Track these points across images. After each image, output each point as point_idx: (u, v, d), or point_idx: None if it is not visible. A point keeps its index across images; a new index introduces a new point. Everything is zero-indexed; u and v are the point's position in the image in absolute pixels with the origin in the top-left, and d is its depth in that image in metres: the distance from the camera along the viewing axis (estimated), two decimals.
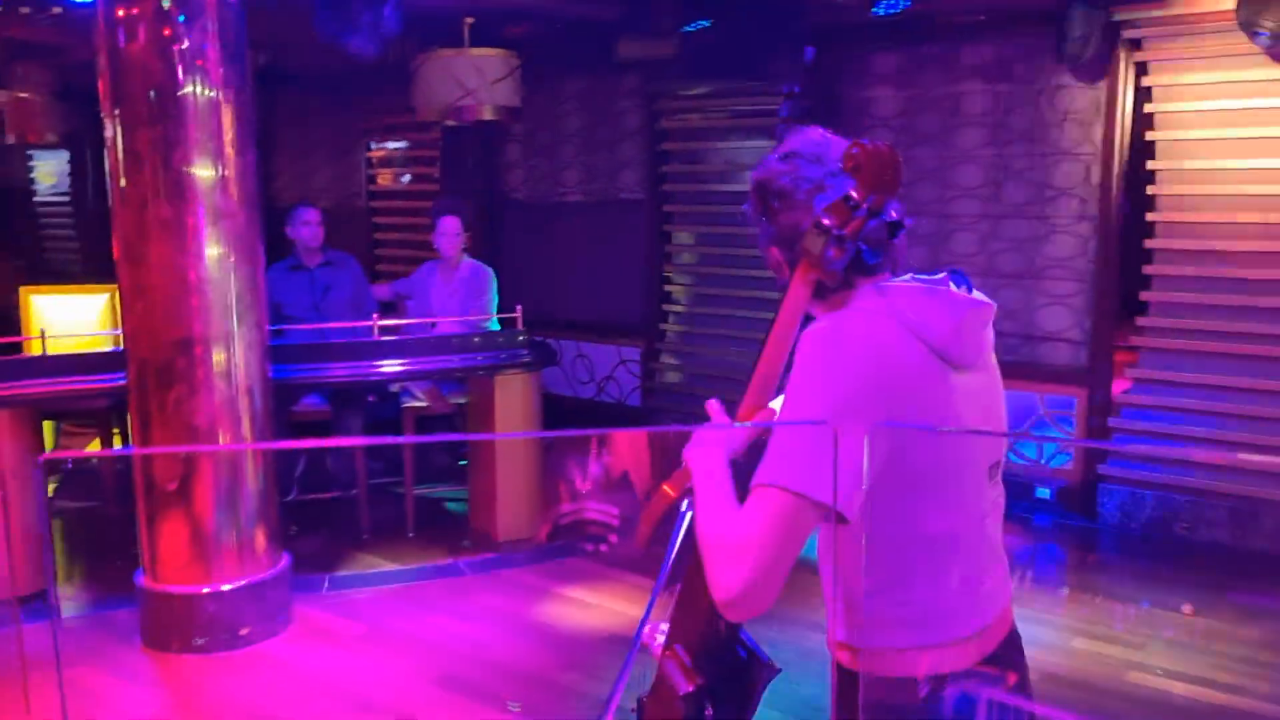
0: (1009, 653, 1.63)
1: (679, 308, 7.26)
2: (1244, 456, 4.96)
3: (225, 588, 4.20)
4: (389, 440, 6.04)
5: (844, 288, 1.59)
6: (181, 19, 3.96)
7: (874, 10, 4.43)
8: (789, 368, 1.57)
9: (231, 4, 4.08)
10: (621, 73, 7.22)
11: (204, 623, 4.17)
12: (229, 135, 4.10)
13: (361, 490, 5.46)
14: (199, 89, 4.02)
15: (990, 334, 1.62)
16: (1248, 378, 5.12)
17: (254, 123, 4.26)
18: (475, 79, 6.29)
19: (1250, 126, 5.02)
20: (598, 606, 4.69)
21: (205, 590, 4.18)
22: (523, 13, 6.24)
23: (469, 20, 6.36)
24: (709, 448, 1.61)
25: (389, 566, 5.08)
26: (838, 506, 1.43)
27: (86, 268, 9.74)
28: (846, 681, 1.66)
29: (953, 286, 1.59)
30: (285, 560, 4.39)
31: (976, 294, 1.60)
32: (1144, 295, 5.39)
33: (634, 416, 7.45)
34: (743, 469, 1.59)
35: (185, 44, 3.98)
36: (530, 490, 5.38)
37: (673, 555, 1.77)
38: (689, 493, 1.67)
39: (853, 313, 1.55)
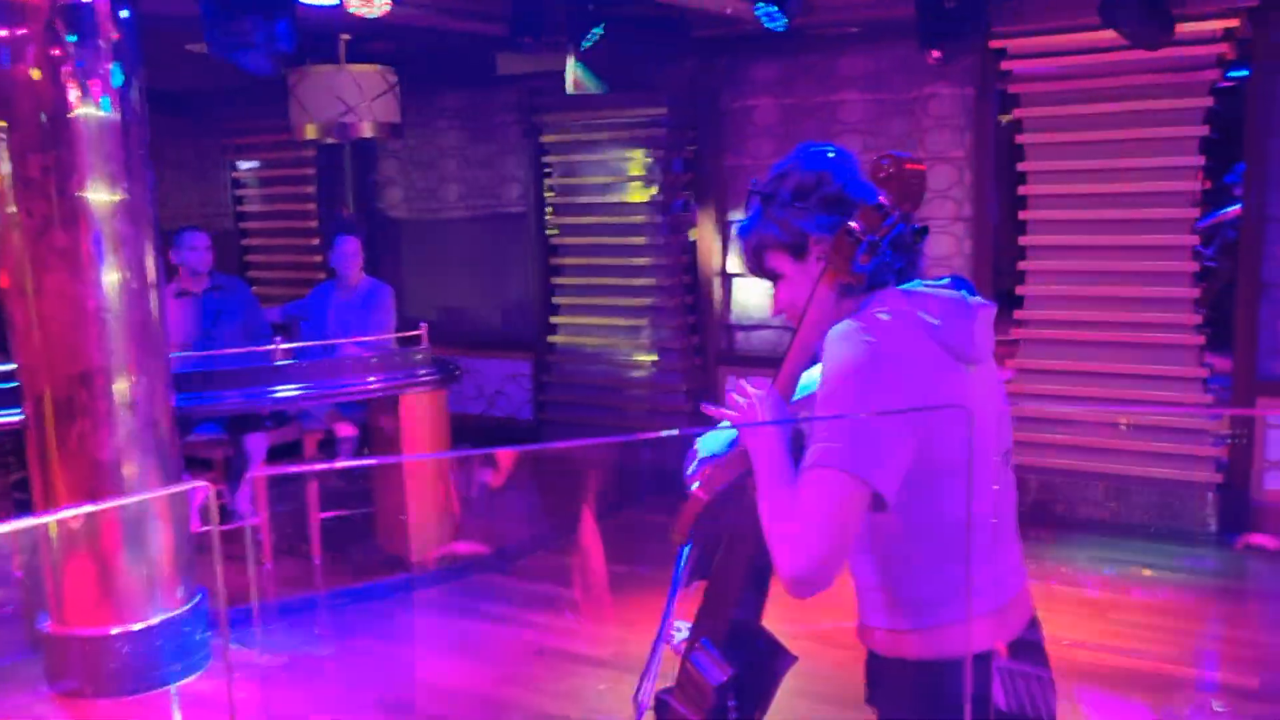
0: (1031, 632, 1.75)
1: (568, 319, 7.30)
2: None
3: (137, 627, 4.05)
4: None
5: (866, 291, 1.67)
6: (72, 39, 3.82)
7: (768, 23, 4.56)
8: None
9: (125, 22, 3.95)
10: (500, 86, 7.24)
11: (118, 664, 4.01)
12: (126, 158, 3.97)
13: (263, 519, 5.31)
14: (93, 111, 3.88)
15: (992, 331, 1.74)
16: (1116, 363, 5.49)
17: (148, 144, 4.13)
18: (355, 95, 6.21)
19: (1109, 129, 5.38)
20: (518, 620, 4.70)
21: (117, 631, 4.02)
22: (401, 28, 6.19)
23: (345, 36, 6.28)
24: (769, 432, 1.67)
25: (301, 595, 4.96)
26: (881, 491, 1.53)
27: None
28: (880, 665, 1.75)
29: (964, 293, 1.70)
30: (201, 595, 4.25)
31: (978, 297, 1.72)
32: (1019, 289, 5.71)
33: (527, 430, 7.45)
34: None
35: (77, 64, 3.83)
36: (441, 510, 5.33)
37: (693, 554, 1.82)
38: (719, 496, 1.73)
39: (877, 316, 1.63)
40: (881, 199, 1.59)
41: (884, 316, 1.61)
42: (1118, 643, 4.25)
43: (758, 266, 1.79)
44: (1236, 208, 5.88)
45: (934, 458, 1.58)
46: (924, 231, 1.65)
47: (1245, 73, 5.38)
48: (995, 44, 5.53)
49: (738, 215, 6.66)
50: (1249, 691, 3.91)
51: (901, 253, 1.64)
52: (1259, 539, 5.21)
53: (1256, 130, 5.26)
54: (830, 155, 1.73)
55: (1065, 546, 5.29)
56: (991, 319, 1.71)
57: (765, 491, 1.62)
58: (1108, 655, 4.14)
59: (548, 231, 7.36)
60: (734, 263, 6.73)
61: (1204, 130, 5.19)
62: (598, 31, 5.55)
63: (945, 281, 1.71)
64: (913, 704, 1.68)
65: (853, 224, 1.60)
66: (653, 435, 1.48)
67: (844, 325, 1.62)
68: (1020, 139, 5.65)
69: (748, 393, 1.75)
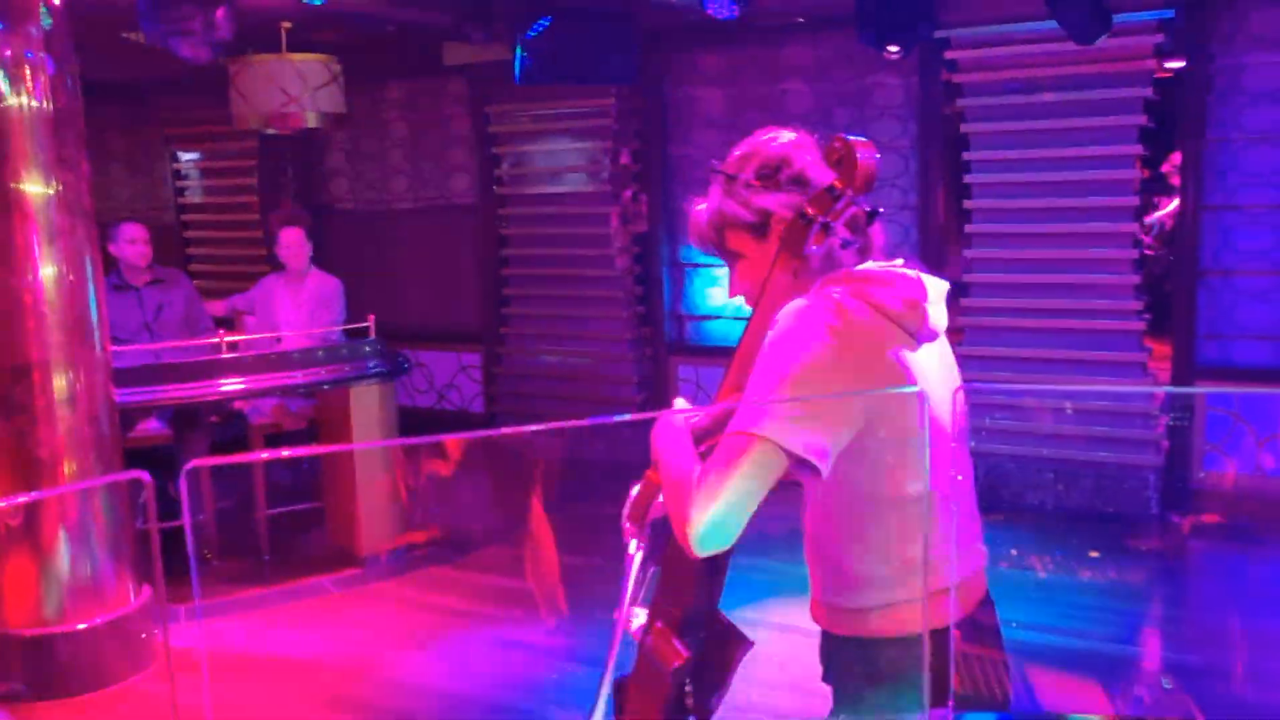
0: (985, 614, 1.76)
1: (518, 311, 7.26)
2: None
3: (81, 626, 3.97)
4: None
5: (820, 272, 1.67)
6: (0, 26, 3.72)
7: (713, 12, 4.56)
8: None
9: (57, 8, 3.85)
10: (447, 77, 7.17)
11: (61, 665, 3.93)
12: (60, 148, 3.88)
13: (209, 515, 5.23)
14: (25, 100, 3.78)
15: (945, 310, 1.75)
16: (1059, 349, 5.57)
17: (85, 134, 4.04)
18: (298, 85, 6.11)
19: (1051, 119, 5.45)
20: (472, 613, 4.67)
21: (60, 630, 3.94)
22: (344, 17, 6.11)
23: (286, 25, 6.18)
24: (671, 423, 1.71)
25: (249, 591, 4.89)
26: (804, 455, 1.54)
27: None
28: (832, 644, 1.75)
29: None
30: (146, 593, 4.18)
31: (932, 276, 1.73)
32: (966, 277, 5.77)
33: (478, 423, 7.41)
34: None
35: (7, 52, 3.74)
36: (391, 503, 5.28)
37: (649, 540, 1.81)
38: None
39: (829, 295, 1.64)
40: (834, 181, 1.60)
41: (835, 295, 1.62)
42: (1066, 624, 4.31)
43: (719, 247, 1.79)
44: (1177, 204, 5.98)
45: (884, 435, 1.59)
46: (875, 214, 1.66)
47: (1181, 64, 5.48)
48: (939, 34, 5.58)
49: (686, 205, 6.66)
50: (1192, 668, 3.99)
51: (856, 236, 1.65)
52: (1202, 519, 5.33)
53: (1192, 120, 5.35)
54: (792, 137, 1.73)
55: (1013, 530, 5.36)
56: (944, 297, 1.73)
57: (665, 460, 1.67)
58: (1056, 636, 4.20)
59: (497, 223, 7.31)
60: (685, 252, 6.73)
61: (1143, 119, 5.28)
62: (545, 22, 5.52)
63: (899, 263, 1.72)
64: (865, 682, 1.69)
65: (806, 207, 1.60)
66: (605, 419, 1.48)
67: (795, 303, 1.62)
68: (964, 128, 5.70)
69: None
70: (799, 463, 1.55)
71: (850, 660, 1.71)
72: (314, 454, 5.75)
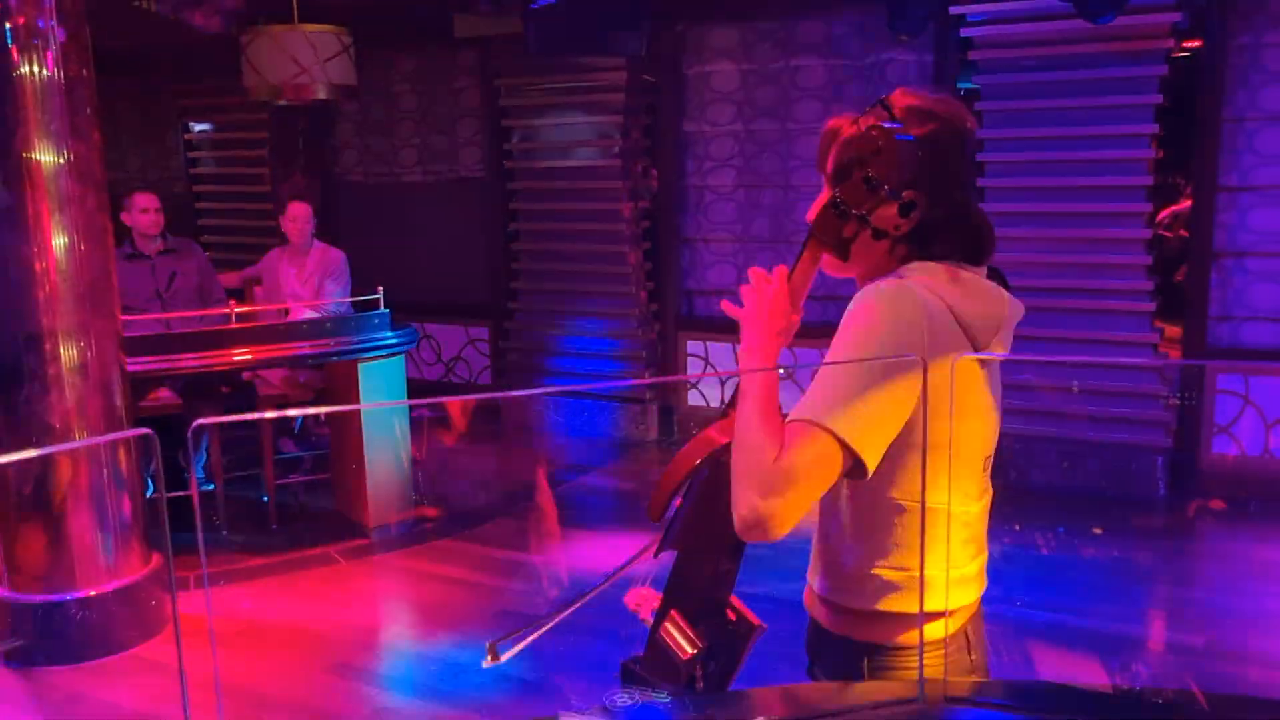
0: (975, 628, 1.74)
1: (527, 285, 7.26)
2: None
3: (93, 593, 4.01)
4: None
5: (865, 265, 1.64)
6: None
7: None
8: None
9: None
10: (458, 49, 7.15)
11: (73, 631, 3.97)
12: (72, 117, 3.89)
13: (219, 484, 5.26)
14: (37, 69, 3.79)
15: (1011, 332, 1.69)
16: (1071, 329, 5.55)
17: (97, 103, 4.05)
18: (309, 56, 6.09)
19: (1067, 97, 5.41)
20: (480, 585, 4.69)
21: (72, 597, 3.98)
22: None
23: None
24: (767, 328, 1.61)
25: (257, 560, 4.92)
26: (865, 458, 1.48)
27: None
28: (823, 639, 1.73)
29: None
30: (156, 560, 4.21)
31: (1012, 296, 1.67)
32: None
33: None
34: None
35: (20, 20, 3.74)
36: (399, 474, 5.31)
37: (666, 525, 1.79)
38: (695, 468, 1.70)
39: (910, 281, 1.57)
40: (869, 172, 1.53)
41: (913, 283, 1.56)
42: (1072, 603, 4.31)
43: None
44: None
45: (920, 439, 1.53)
46: (911, 205, 1.56)
47: (1198, 43, 5.43)
48: (955, 9, 5.53)
49: (696, 180, 6.65)
50: (1194, 649, 4.00)
51: (887, 227, 1.58)
52: (1209, 501, 5.32)
53: (1208, 100, 5.30)
54: (852, 133, 1.63)
55: (1018, 509, 5.35)
56: (1017, 318, 1.67)
57: (748, 415, 1.54)
58: (1062, 615, 4.20)
59: (506, 196, 7.30)
60: (693, 227, 6.71)
61: (1158, 99, 5.23)
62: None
63: (982, 269, 1.65)
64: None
65: (838, 197, 1.55)
66: (612, 383, 1.44)
67: (875, 284, 1.56)
68: (979, 106, 5.66)
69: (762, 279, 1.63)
70: (855, 463, 1.50)
71: (842, 658, 1.68)
72: (318, 414, 5.77)
